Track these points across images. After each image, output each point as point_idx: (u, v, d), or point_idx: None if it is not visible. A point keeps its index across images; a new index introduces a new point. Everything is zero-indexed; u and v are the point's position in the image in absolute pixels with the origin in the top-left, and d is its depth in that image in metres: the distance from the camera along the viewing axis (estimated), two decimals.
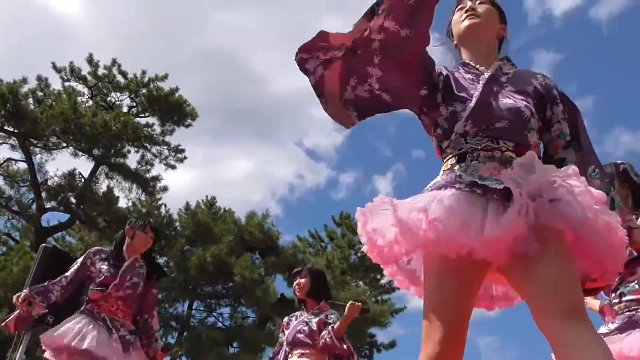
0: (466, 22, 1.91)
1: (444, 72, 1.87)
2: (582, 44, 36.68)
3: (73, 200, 17.28)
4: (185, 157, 19.11)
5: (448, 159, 1.78)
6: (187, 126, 18.86)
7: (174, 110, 18.39)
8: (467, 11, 1.91)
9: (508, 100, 1.77)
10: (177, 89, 18.35)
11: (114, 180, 18.23)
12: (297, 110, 35.26)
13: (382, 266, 1.76)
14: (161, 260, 19.43)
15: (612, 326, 2.93)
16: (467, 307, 1.62)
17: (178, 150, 18.93)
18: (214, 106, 33.27)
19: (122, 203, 18.15)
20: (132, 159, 18.39)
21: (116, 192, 17.90)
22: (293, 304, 18.86)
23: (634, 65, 37.87)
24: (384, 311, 19.85)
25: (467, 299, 1.62)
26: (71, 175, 17.54)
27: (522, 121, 1.74)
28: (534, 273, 1.50)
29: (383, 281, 21.93)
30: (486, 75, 1.83)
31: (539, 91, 1.83)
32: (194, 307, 20.55)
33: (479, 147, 1.71)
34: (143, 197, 18.77)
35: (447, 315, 1.57)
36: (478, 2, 1.93)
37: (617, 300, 2.98)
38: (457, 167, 1.72)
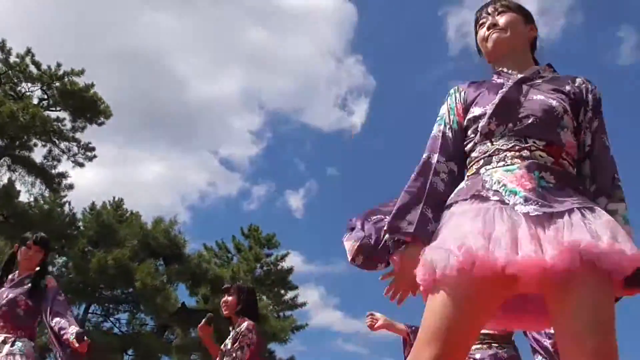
0: (491, 40, 1.80)
1: (466, 90, 1.80)
2: None
3: None
4: (95, 156, 18.73)
5: (473, 164, 1.67)
6: (100, 124, 18.46)
7: (88, 107, 17.93)
8: (488, 28, 1.81)
9: (539, 96, 1.66)
10: (92, 85, 17.96)
11: (17, 174, 17.60)
12: (215, 118, 35.11)
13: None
14: (60, 261, 18.77)
15: None
16: (473, 328, 1.48)
17: (88, 148, 18.49)
18: (130, 107, 32.56)
19: (23, 197, 17.55)
20: (38, 153, 17.82)
21: (17, 186, 17.33)
22: (194, 313, 18.67)
23: None
24: (284, 327, 19.98)
25: (476, 320, 1.47)
26: None
27: (553, 117, 1.62)
28: (569, 301, 1.37)
29: (286, 297, 22.08)
30: (518, 76, 1.73)
31: (576, 93, 1.71)
32: (90, 310, 19.96)
33: (505, 148, 1.60)
34: (47, 193, 18.16)
35: (448, 332, 1.41)
36: (497, 13, 1.83)
37: None
38: (482, 170, 1.62)
